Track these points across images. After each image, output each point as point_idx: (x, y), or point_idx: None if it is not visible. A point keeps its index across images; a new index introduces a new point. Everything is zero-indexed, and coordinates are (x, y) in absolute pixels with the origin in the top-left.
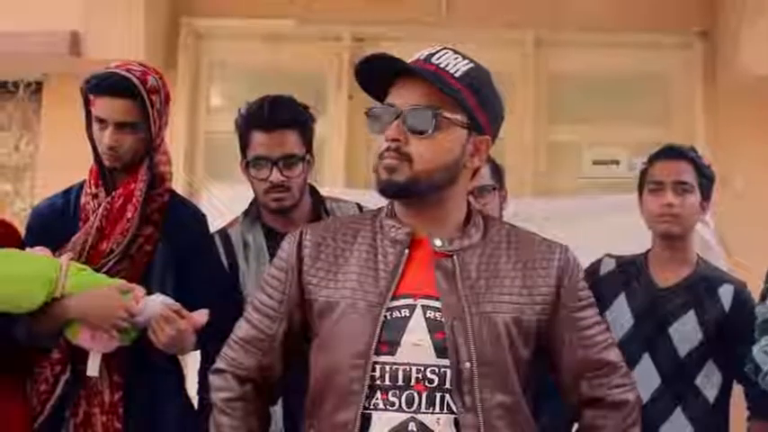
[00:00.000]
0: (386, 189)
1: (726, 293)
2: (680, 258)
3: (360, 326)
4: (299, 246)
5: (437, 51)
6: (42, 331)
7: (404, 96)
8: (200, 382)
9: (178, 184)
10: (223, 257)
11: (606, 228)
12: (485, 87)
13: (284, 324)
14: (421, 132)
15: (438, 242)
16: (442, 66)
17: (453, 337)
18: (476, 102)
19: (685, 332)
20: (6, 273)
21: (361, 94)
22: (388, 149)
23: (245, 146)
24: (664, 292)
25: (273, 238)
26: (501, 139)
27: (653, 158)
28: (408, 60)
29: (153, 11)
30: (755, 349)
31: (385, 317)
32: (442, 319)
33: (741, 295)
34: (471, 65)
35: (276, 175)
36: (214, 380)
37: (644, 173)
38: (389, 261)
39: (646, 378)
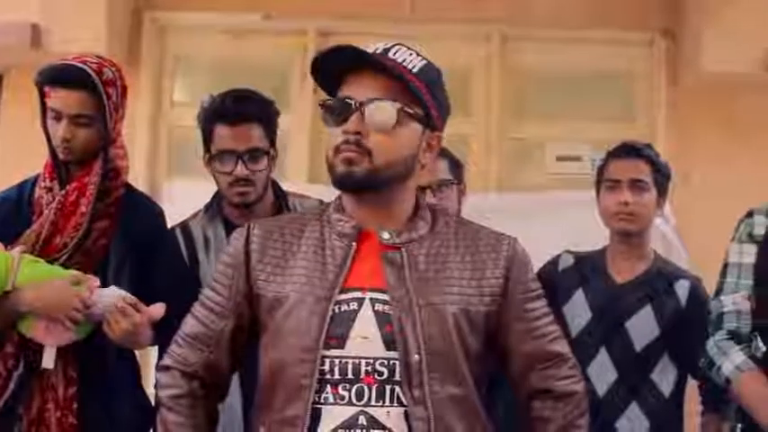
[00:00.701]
0: (344, 181)
1: (682, 289)
2: (636, 254)
3: (308, 320)
4: (247, 241)
5: (392, 47)
6: None
7: (362, 89)
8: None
9: (140, 179)
10: (183, 251)
11: (567, 224)
12: (437, 84)
13: (231, 320)
14: (382, 126)
15: (386, 235)
16: (399, 60)
17: (401, 330)
18: (430, 98)
19: (641, 327)
20: None
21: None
22: (346, 142)
23: (207, 140)
24: (620, 287)
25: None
26: (465, 134)
27: (609, 156)
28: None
29: (116, 4)
30: (709, 343)
31: (333, 310)
32: (391, 312)
33: (697, 290)
34: (425, 61)
35: (241, 169)
36: (161, 377)
37: (601, 170)
38: (337, 254)
39: (602, 372)
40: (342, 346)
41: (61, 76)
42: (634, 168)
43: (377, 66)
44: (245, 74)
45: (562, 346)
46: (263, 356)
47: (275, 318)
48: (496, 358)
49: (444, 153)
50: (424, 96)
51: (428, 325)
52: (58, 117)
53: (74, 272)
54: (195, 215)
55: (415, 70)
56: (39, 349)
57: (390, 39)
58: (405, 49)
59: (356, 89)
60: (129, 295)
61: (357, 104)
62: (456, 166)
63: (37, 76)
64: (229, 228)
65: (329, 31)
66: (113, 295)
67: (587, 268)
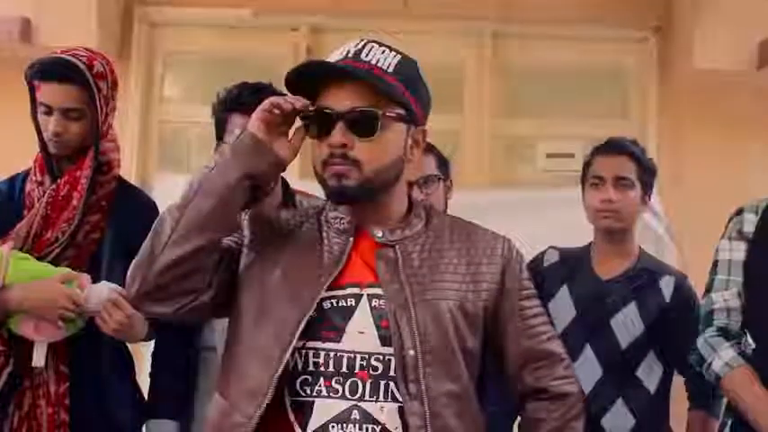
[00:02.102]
0: (337, 196)
1: (666, 285)
2: (621, 251)
3: (290, 310)
4: (251, 221)
5: (364, 47)
6: None
7: (340, 98)
8: (152, 366)
9: (131, 173)
10: None
11: (557, 221)
12: (415, 78)
13: (234, 240)
14: (367, 135)
15: (379, 233)
16: (373, 62)
17: (397, 325)
18: (410, 94)
19: (626, 324)
20: None
21: None
22: (332, 155)
23: (222, 130)
24: (605, 284)
25: None
26: (456, 130)
27: (594, 153)
28: (332, 56)
29: None
30: (700, 341)
31: (331, 303)
32: (386, 308)
33: (681, 286)
34: (399, 56)
35: None
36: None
37: (586, 167)
38: (335, 249)
39: (588, 369)
40: (338, 340)
41: (51, 69)
42: (618, 165)
43: (351, 75)
44: (236, 70)
45: (557, 346)
46: (233, 334)
47: (264, 304)
48: (491, 357)
49: (431, 149)
50: (403, 95)
51: (424, 320)
52: (49, 111)
53: (65, 269)
54: None
55: (390, 69)
56: (29, 346)
57: (382, 34)
58: (377, 46)
59: (335, 99)
60: (121, 288)
61: (337, 115)
62: (443, 163)
63: (27, 70)
64: None
65: (321, 27)
66: (104, 289)
67: (572, 265)
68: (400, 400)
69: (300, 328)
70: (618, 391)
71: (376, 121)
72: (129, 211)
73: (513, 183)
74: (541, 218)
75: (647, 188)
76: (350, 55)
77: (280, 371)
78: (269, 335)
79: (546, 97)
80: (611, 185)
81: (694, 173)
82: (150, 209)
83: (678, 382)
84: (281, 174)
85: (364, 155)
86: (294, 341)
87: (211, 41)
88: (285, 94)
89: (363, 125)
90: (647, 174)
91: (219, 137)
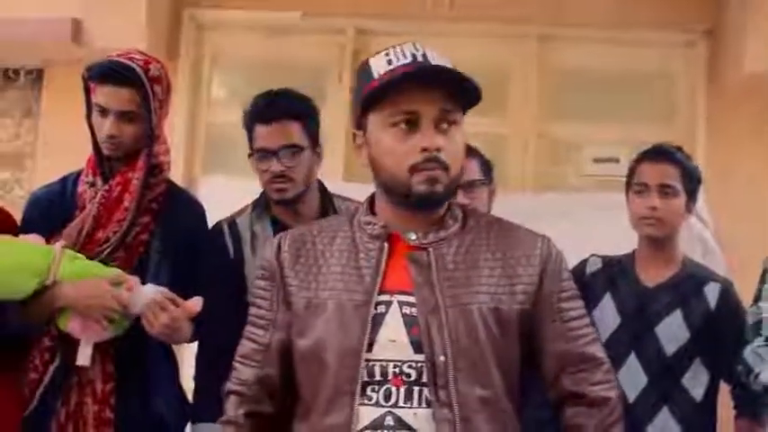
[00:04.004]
0: (426, 202)
1: (712, 292)
2: (665, 258)
3: (348, 326)
4: (278, 251)
5: (422, 50)
6: (33, 318)
7: (429, 101)
8: (196, 369)
9: (177, 175)
10: (229, 244)
11: (600, 226)
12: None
13: (279, 332)
14: (453, 138)
15: (412, 236)
16: (446, 65)
17: (428, 331)
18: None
19: (672, 331)
20: None
21: None
22: (428, 160)
23: (251, 140)
24: (650, 291)
25: (282, 230)
26: (502, 134)
27: (639, 159)
28: (393, 60)
29: (156, 0)
30: (747, 350)
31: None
32: (418, 315)
33: (727, 293)
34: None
35: (277, 166)
36: (225, 403)
37: (631, 173)
38: (371, 257)
39: (632, 377)
40: (370, 350)
41: (109, 72)
42: (663, 172)
43: (448, 78)
44: (282, 72)
45: (597, 350)
46: (299, 366)
47: (314, 325)
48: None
49: (474, 153)
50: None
51: (455, 325)
52: (105, 113)
53: (114, 270)
54: (242, 211)
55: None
56: (76, 344)
57: (429, 37)
58: (429, 49)
59: (423, 102)
60: (166, 290)
61: (435, 118)
62: (486, 166)
63: (84, 72)
64: (277, 226)
65: (368, 29)
66: (152, 291)
67: (616, 272)
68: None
69: (363, 360)
70: (663, 400)
71: (459, 125)
72: (177, 213)
73: (557, 187)
74: (586, 223)
75: (691, 195)
76: (418, 58)
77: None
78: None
79: (592, 101)
80: (655, 192)
81: (743, 180)
82: (197, 212)
83: (725, 389)
84: (319, 179)
85: (453, 159)
86: (362, 364)
87: (259, 44)
88: (309, 99)
89: (457, 132)
90: (692, 181)
91: (251, 146)
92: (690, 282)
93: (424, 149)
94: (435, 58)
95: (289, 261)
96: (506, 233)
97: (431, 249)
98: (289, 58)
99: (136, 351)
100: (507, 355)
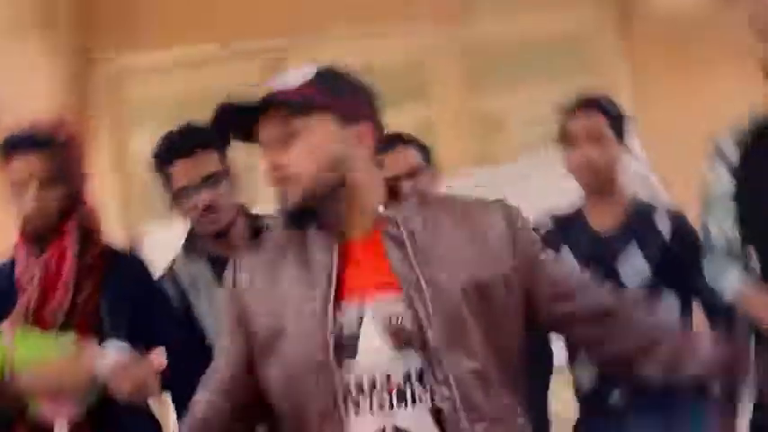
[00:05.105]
0: (302, 213)
1: (662, 223)
2: (611, 201)
3: (312, 340)
4: (234, 278)
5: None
6: (3, 408)
7: (263, 127)
8: (177, 414)
9: (115, 230)
10: (174, 296)
11: (543, 188)
12: (337, 80)
13: (243, 355)
14: (296, 147)
15: (381, 208)
16: (283, 83)
17: (413, 308)
18: (338, 95)
19: (633, 269)
20: None
21: None
22: (275, 180)
23: (167, 183)
24: (604, 236)
25: (219, 265)
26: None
27: (565, 115)
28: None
29: (63, 53)
30: (706, 268)
31: (337, 322)
32: (398, 306)
33: (677, 220)
34: (315, 69)
35: (203, 198)
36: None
37: (560, 130)
38: (322, 264)
39: None
40: (353, 356)
41: (17, 144)
42: (590, 122)
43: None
44: (206, 106)
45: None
46: (274, 396)
47: (279, 349)
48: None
49: (410, 140)
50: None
51: (438, 301)
52: (23, 187)
53: (70, 338)
54: (176, 258)
55: (303, 82)
56: (51, 429)
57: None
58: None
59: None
60: (126, 348)
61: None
62: (424, 151)
63: None
64: (213, 261)
65: (286, 46)
66: (113, 351)
67: (568, 226)
68: (427, 399)
69: (332, 359)
70: None
71: (304, 131)
72: (119, 271)
73: (491, 159)
74: (529, 188)
75: (621, 135)
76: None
77: None
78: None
79: (513, 70)
80: (585, 142)
81: (664, 116)
82: (139, 265)
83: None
84: (241, 202)
85: (297, 166)
86: (337, 374)
87: (179, 81)
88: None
89: (292, 139)
90: (617, 121)
91: (168, 189)
92: (639, 218)
93: (267, 172)
94: (285, 78)
95: (246, 287)
96: (464, 204)
97: (401, 225)
98: (211, 90)
99: (112, 418)
100: (496, 326)
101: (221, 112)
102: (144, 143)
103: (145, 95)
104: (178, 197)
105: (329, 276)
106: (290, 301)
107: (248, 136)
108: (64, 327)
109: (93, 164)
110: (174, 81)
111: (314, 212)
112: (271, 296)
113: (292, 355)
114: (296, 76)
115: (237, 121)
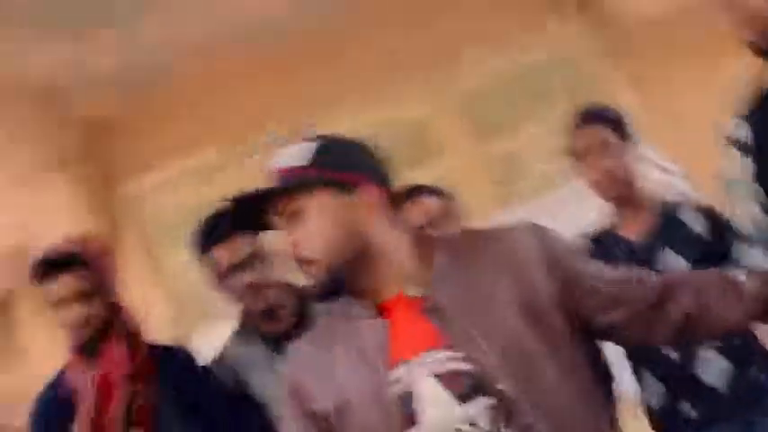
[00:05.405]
0: (324, 292)
1: (691, 217)
2: (636, 206)
3: (375, 417)
4: (291, 366)
5: (279, 157)
6: None
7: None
8: None
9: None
10: (230, 381)
11: (569, 211)
12: (334, 149)
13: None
14: (304, 226)
15: (411, 291)
16: (284, 162)
17: (476, 363)
18: (331, 167)
19: (671, 267)
20: None
21: None
22: (297, 259)
23: (211, 267)
24: (636, 242)
25: (272, 343)
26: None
27: (570, 132)
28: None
29: (84, 183)
30: (736, 250)
31: (396, 393)
32: (452, 365)
33: (708, 214)
34: (313, 142)
35: (249, 277)
36: None
37: (568, 151)
38: (370, 337)
39: None
40: (420, 417)
41: (51, 267)
42: (593, 134)
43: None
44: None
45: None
46: None
47: (347, 424)
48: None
49: (429, 189)
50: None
51: (495, 344)
52: (64, 305)
53: None
54: (228, 342)
55: (304, 162)
56: None
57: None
58: (292, 145)
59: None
60: None
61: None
62: (446, 197)
63: (31, 279)
64: (265, 340)
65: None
66: None
67: (602, 242)
68: None
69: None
70: None
71: (307, 209)
72: (169, 367)
73: (517, 197)
74: (559, 217)
75: (625, 136)
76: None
77: None
78: None
79: (512, 107)
80: (595, 155)
81: (668, 115)
82: (187, 360)
83: None
84: (286, 279)
85: (310, 246)
86: None
87: (197, 188)
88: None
89: (296, 218)
90: (618, 124)
91: (215, 274)
92: (667, 218)
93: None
94: (282, 161)
95: (303, 373)
96: (494, 238)
97: (435, 292)
98: (227, 191)
99: None
100: (560, 350)
101: (232, 207)
102: (178, 252)
103: (167, 207)
104: (223, 278)
105: (382, 346)
106: (351, 381)
107: (265, 222)
108: (127, 429)
109: (131, 280)
110: (193, 186)
111: (342, 282)
112: (329, 378)
113: (360, 429)
114: (294, 153)
115: (250, 211)
